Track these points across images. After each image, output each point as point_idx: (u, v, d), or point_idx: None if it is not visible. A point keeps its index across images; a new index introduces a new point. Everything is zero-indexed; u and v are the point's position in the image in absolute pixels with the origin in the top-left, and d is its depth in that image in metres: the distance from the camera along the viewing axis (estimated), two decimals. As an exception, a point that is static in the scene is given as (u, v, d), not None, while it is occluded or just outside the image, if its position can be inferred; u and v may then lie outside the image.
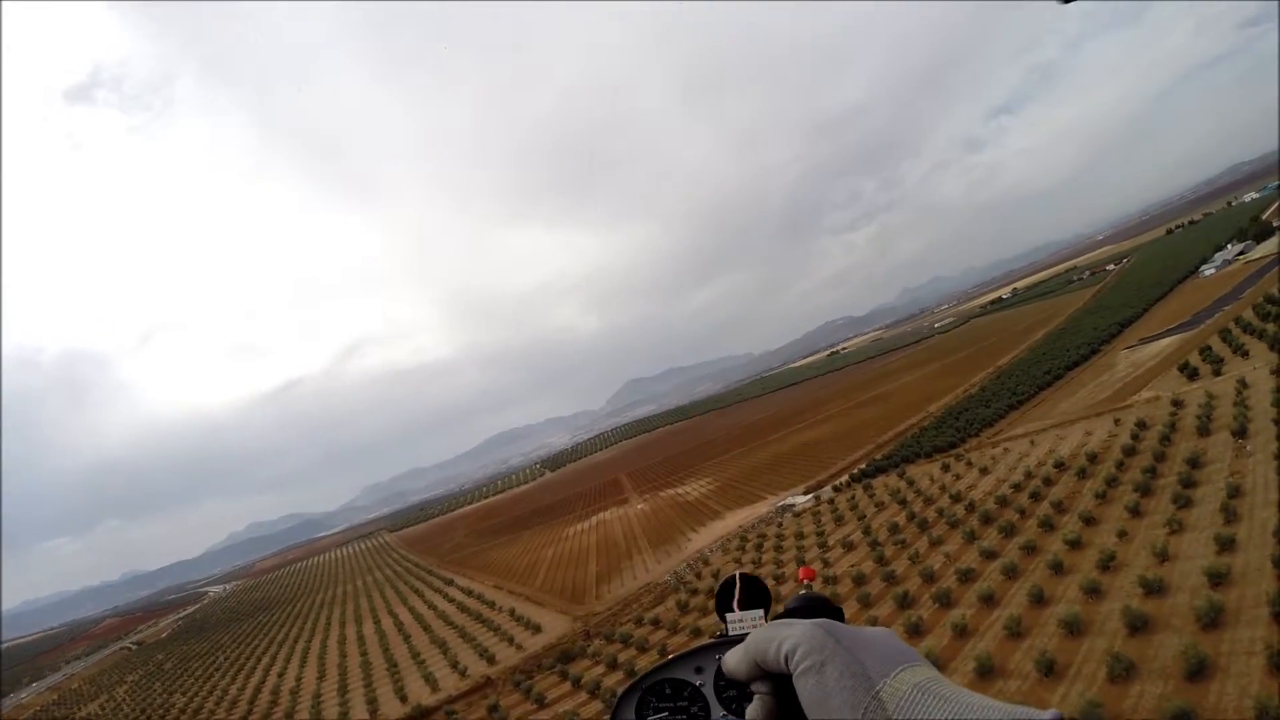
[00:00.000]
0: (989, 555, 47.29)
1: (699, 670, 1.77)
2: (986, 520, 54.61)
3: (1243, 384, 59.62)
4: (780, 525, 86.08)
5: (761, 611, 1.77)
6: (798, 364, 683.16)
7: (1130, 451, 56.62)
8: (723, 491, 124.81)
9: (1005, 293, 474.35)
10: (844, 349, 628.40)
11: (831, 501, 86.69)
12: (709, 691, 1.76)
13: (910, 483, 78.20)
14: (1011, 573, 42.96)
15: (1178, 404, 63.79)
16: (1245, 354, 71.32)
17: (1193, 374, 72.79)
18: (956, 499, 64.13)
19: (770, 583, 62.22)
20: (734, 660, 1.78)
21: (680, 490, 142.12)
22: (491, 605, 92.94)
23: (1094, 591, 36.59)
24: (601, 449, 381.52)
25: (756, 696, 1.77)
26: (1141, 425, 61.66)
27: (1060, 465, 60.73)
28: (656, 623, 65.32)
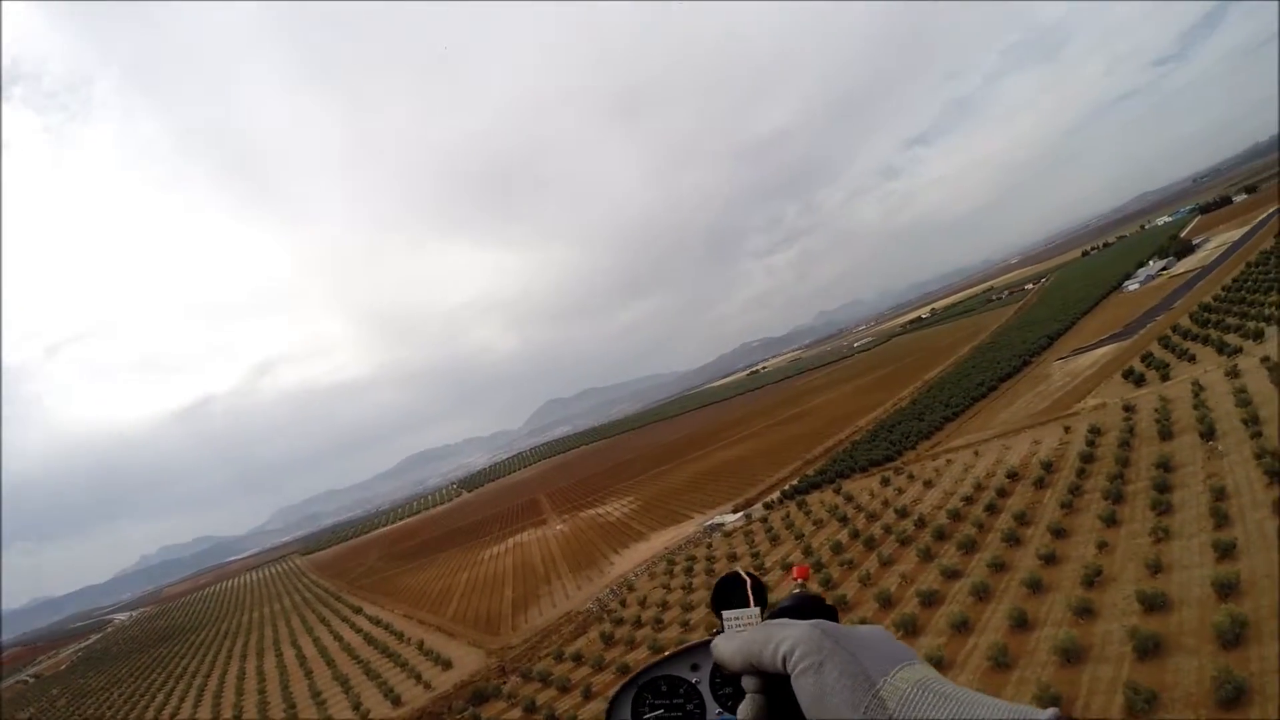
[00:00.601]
0: (951, 574, 42.64)
1: (695, 667, 1.80)
2: (941, 536, 50.30)
3: (1199, 386, 58.80)
4: (710, 546, 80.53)
5: (758, 609, 1.81)
6: (717, 384, 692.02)
7: (1089, 458, 53.93)
8: (645, 511, 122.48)
9: (924, 312, 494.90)
10: (763, 368, 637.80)
11: (764, 520, 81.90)
12: (704, 689, 1.79)
13: (848, 498, 74.21)
14: (982, 593, 38.23)
15: (1129, 409, 62.28)
16: (1192, 359, 72.06)
17: (1139, 380, 72.60)
18: (903, 514, 60.02)
19: (704, 611, 56.33)
20: (728, 650, 1.80)
21: (601, 510, 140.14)
22: (400, 637, 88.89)
23: (1085, 611, 32.06)
24: (520, 469, 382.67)
25: (749, 696, 1.80)
26: (1095, 431, 59.55)
27: (1013, 475, 57.63)
28: (579, 659, 58.23)
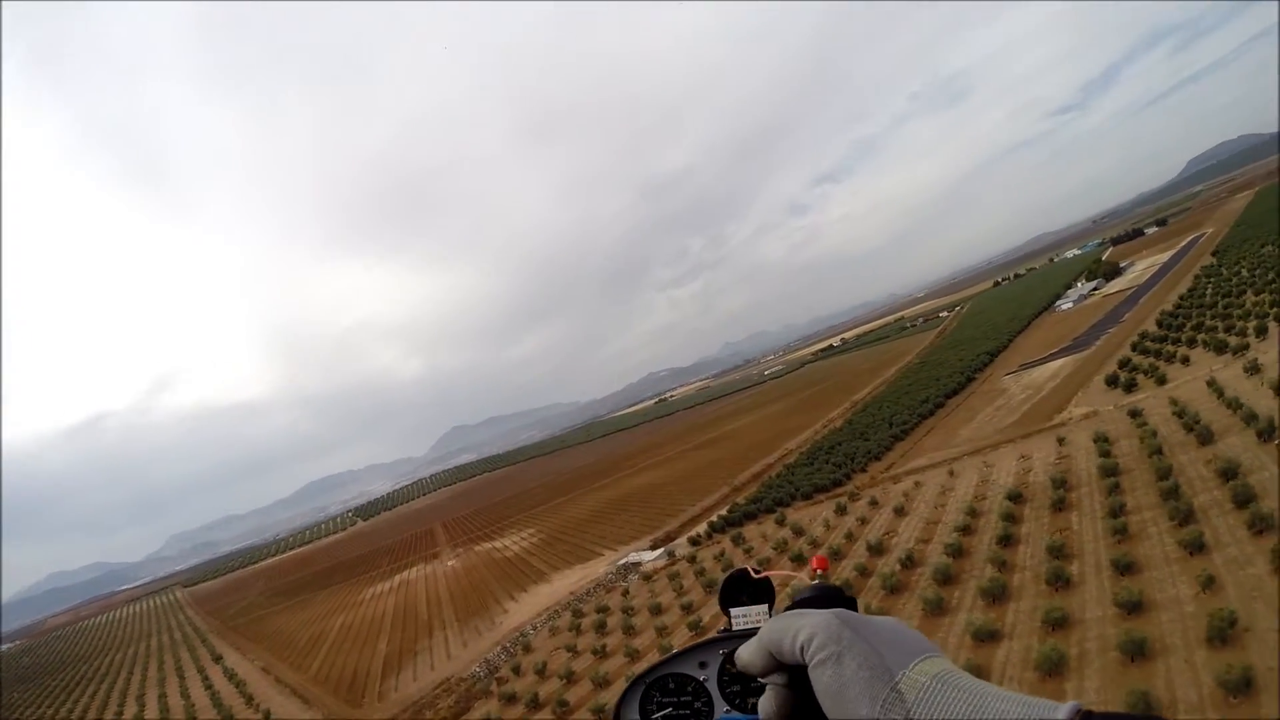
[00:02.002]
0: (987, 637, 31.14)
1: (703, 665, 1.86)
2: (947, 579, 39.00)
3: (1216, 384, 52.75)
4: (627, 593, 67.34)
5: (766, 606, 1.86)
6: (625, 411, 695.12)
7: (1112, 471, 44.67)
8: (548, 545, 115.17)
9: (834, 341, 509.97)
10: (671, 396, 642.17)
11: (692, 558, 69.33)
12: (713, 686, 1.85)
13: (798, 530, 62.81)
14: (1052, 667, 26.77)
15: (1137, 414, 54.36)
16: (1185, 361, 68.60)
17: (1128, 385, 67.20)
18: (878, 550, 48.77)
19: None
20: (748, 654, 1.86)
21: (498, 544, 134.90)
22: (249, 701, 78.93)
23: (1242, 685, 21.08)
24: (419, 496, 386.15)
25: (769, 688, 1.86)
26: (1105, 440, 50.83)
27: (1016, 498, 47.49)
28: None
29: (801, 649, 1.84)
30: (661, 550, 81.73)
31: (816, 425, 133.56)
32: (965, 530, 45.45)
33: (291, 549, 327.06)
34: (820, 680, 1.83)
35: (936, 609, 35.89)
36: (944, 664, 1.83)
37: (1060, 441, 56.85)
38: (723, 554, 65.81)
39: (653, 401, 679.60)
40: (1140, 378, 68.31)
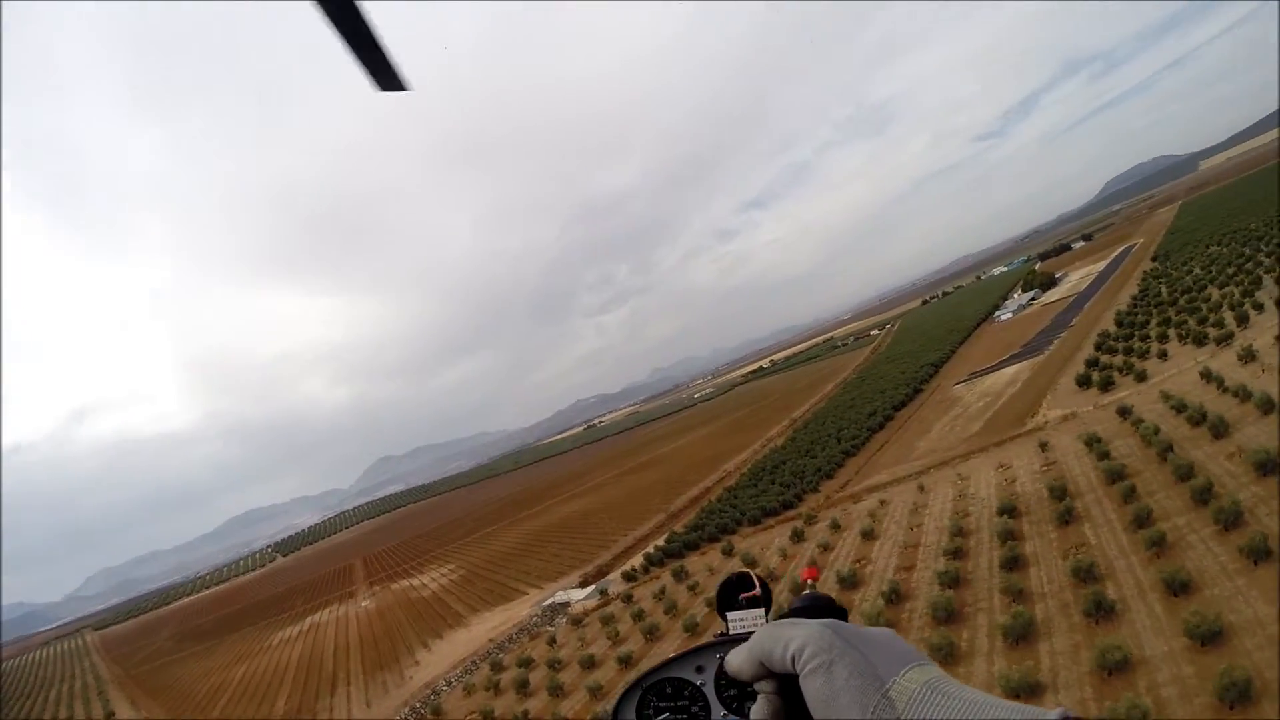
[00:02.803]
0: (1026, 690, 24.61)
1: (700, 669, 1.90)
2: (950, 617, 32.60)
3: (1208, 374, 49.69)
4: (554, 642, 59.32)
5: (763, 611, 1.91)
6: (554, 438, 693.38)
7: (1119, 474, 39.62)
8: (468, 583, 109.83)
9: (764, 363, 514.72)
10: (600, 422, 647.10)
11: (628, 597, 61.61)
12: (709, 691, 1.90)
13: (750, 562, 55.96)
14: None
15: (1125, 412, 50.22)
16: (1163, 355, 66.61)
17: (1105, 384, 64.32)
18: (851, 582, 42.25)
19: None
20: (738, 660, 1.92)
21: (417, 581, 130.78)
22: None
23: None
24: (342, 529, 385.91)
25: (761, 696, 1.91)
26: (1097, 441, 46.26)
27: (1009, 511, 41.84)
28: None
29: (793, 659, 1.89)
30: (592, 588, 75.28)
31: (755, 445, 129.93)
32: (956, 554, 39.39)
33: (209, 587, 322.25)
34: (811, 688, 1.89)
35: (947, 656, 29.29)
36: (934, 671, 1.90)
37: (1043, 447, 52.17)
38: (663, 591, 58.26)
39: (582, 428, 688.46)
40: (1116, 375, 65.61)
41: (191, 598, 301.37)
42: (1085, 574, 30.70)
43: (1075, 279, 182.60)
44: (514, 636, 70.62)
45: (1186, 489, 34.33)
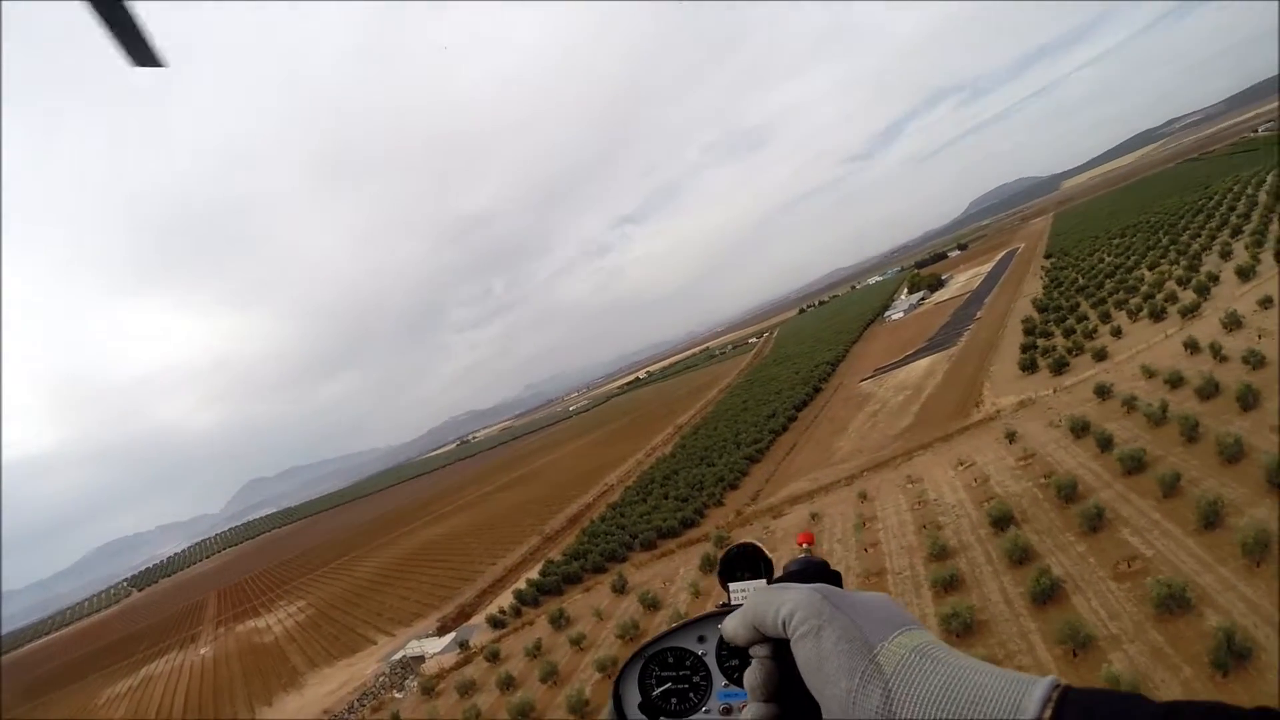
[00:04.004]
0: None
1: (702, 639, 1.85)
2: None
3: (1194, 345, 44.90)
4: (397, 715, 46.15)
5: (764, 581, 1.87)
6: (426, 456, 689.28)
7: (1138, 462, 31.62)
8: (315, 626, 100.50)
9: (640, 374, 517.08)
10: (474, 438, 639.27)
11: (494, 655, 49.20)
12: (711, 661, 1.86)
13: (651, 603, 44.67)
14: None
15: (1104, 391, 43.24)
16: (1117, 332, 63.39)
17: (1057, 366, 59.68)
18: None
19: None
20: (733, 626, 1.88)
21: (264, 621, 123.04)
22: None
23: None
24: (205, 558, 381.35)
25: (755, 661, 1.88)
26: (1083, 427, 38.59)
27: (1002, 521, 32.94)
28: None
29: (784, 623, 1.86)
30: (452, 637, 64.96)
31: (639, 454, 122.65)
32: (949, 585, 29.96)
33: (54, 630, 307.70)
34: (801, 653, 1.86)
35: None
36: (924, 636, 1.84)
37: (1010, 438, 44.32)
38: (538, 645, 46.16)
39: (455, 445, 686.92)
40: (1069, 357, 61.33)
41: (32, 645, 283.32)
42: (1177, 602, 21.61)
43: (963, 280, 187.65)
44: (354, 706, 59.99)
45: (1243, 473, 26.68)
